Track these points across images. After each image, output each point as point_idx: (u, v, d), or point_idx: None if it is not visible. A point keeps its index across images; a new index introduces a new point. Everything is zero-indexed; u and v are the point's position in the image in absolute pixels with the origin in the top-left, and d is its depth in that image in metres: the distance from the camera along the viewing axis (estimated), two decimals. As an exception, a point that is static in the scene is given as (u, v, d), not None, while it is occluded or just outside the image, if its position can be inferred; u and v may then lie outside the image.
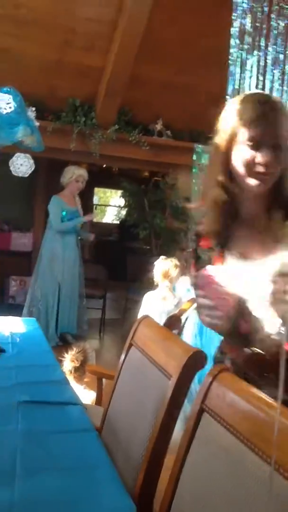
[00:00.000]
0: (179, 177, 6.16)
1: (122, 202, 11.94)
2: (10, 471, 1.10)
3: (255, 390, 1.00)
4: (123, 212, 11.22)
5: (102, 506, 1.00)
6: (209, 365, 1.30)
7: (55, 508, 0.99)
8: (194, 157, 5.96)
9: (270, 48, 3.58)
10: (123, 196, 6.59)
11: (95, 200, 11.38)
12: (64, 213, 4.97)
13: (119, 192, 11.58)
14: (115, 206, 12.06)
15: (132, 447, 1.36)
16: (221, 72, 5.16)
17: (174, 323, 2.50)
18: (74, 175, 4.95)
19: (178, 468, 1.10)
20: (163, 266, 3.04)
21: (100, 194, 12.49)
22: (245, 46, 3.50)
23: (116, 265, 5.86)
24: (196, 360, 1.27)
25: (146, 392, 1.40)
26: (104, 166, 7.13)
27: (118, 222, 11.43)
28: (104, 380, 2.29)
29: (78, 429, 1.33)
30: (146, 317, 1.68)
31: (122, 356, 1.66)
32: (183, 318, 2.53)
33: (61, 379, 1.69)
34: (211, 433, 1.04)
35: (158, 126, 5.81)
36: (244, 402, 0.98)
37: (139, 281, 6.13)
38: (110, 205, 12.33)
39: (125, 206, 7.29)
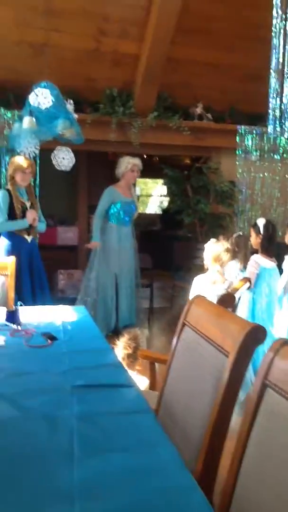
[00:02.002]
0: (222, 161, 6.04)
1: (164, 191, 11.90)
2: (68, 454, 1.07)
3: None
4: (165, 201, 11.19)
5: (165, 485, 0.96)
6: (266, 344, 1.23)
7: (117, 488, 0.95)
8: (237, 139, 5.83)
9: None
10: (165, 183, 6.50)
11: (137, 191, 11.36)
12: (119, 204, 4.93)
13: (160, 181, 11.53)
14: (157, 196, 12.01)
15: (190, 428, 1.31)
16: (263, 48, 5.01)
17: (227, 300, 2.42)
18: (129, 165, 4.89)
19: (242, 445, 1.04)
20: (214, 250, 2.95)
21: (141, 185, 12.46)
22: None
23: (161, 254, 5.81)
24: (254, 335, 1.21)
25: (203, 371, 1.35)
26: (145, 156, 7.07)
27: (160, 212, 11.39)
28: (156, 365, 2.25)
29: (134, 410, 1.30)
30: (198, 296, 1.62)
31: (175, 337, 1.61)
32: (236, 296, 2.45)
33: (114, 362, 1.66)
34: (276, 408, 0.98)
35: (198, 110, 5.69)
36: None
37: (185, 268, 6.06)
38: (152, 195, 12.28)
39: (167, 194, 7.22)
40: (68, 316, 2.39)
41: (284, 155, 5.84)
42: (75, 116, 4.43)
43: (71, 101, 4.40)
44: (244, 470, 1.04)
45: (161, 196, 11.93)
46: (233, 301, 2.47)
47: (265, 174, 5.93)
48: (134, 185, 5.26)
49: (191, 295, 3.06)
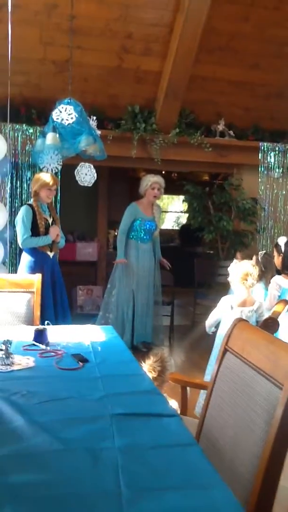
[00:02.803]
0: (244, 177, 5.99)
1: (181, 207, 11.86)
2: (115, 493, 1.00)
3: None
4: (183, 217, 11.14)
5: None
6: None
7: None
8: (260, 156, 5.78)
9: None
10: (186, 200, 6.45)
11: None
12: (138, 221, 4.92)
13: (177, 197, 11.50)
14: (175, 212, 11.98)
15: (238, 464, 1.24)
16: (287, 65, 4.98)
17: (271, 325, 2.34)
18: (150, 182, 4.90)
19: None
20: (243, 269, 2.86)
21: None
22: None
23: (182, 270, 5.74)
24: (311, 366, 1.13)
25: (252, 403, 1.27)
26: (164, 172, 7.06)
27: (178, 227, 11.34)
28: (188, 389, 2.17)
29: (179, 443, 1.22)
30: (240, 320, 1.55)
31: (216, 364, 1.54)
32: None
33: (152, 389, 1.59)
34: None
35: (220, 127, 5.66)
36: None
37: (206, 285, 5.98)
38: (169, 211, 12.26)
39: (187, 211, 7.17)
40: (96, 336, 2.33)
41: (307, 172, 5.78)
42: (98, 132, 4.42)
43: (94, 118, 4.40)
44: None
45: (178, 212, 11.90)
46: (277, 326, 2.38)
47: (288, 191, 5.86)
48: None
49: (216, 315, 2.98)
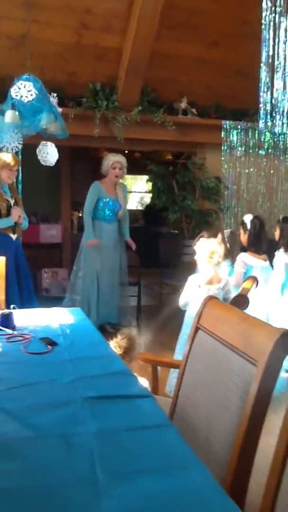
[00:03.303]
0: (207, 156, 5.98)
1: (144, 187, 11.78)
2: (90, 479, 0.97)
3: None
4: (147, 197, 11.09)
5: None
6: None
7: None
8: (223, 134, 5.77)
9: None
10: (150, 180, 6.40)
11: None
12: (101, 201, 4.85)
13: (140, 178, 11.41)
14: (139, 192, 11.91)
15: (214, 442, 1.23)
16: (249, 44, 4.95)
17: (241, 302, 2.35)
18: (111, 162, 4.82)
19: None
20: (208, 247, 2.86)
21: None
22: (278, 9, 3.26)
23: (147, 251, 5.72)
24: (285, 342, 1.13)
25: (225, 380, 1.26)
26: (126, 151, 6.97)
27: (142, 208, 11.29)
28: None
29: (154, 424, 1.20)
30: (211, 298, 1.54)
31: (188, 342, 1.52)
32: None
33: (123, 370, 1.56)
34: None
35: (183, 105, 5.61)
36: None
37: (171, 265, 5.99)
38: (133, 191, 12.19)
39: (151, 191, 7.13)
40: (64, 319, 2.28)
41: (269, 150, 5.82)
42: (59, 110, 4.30)
43: (55, 95, 4.27)
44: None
45: (142, 192, 11.83)
46: (247, 303, 2.39)
47: (251, 169, 5.89)
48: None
49: (185, 295, 2.98)
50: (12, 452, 1.09)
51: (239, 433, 1.14)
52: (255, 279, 2.77)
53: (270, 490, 0.99)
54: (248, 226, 3.46)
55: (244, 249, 3.52)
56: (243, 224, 3.56)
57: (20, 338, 1.98)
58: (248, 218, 3.55)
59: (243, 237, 3.53)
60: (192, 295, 2.92)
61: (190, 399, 1.44)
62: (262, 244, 3.47)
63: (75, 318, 2.31)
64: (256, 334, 1.22)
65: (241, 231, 3.55)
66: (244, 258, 3.40)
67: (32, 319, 2.28)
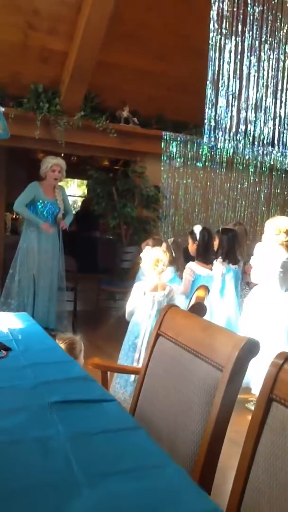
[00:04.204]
0: (147, 165, 6.10)
1: (78, 192, 11.74)
2: (71, 481, 0.99)
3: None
4: (79, 202, 11.04)
5: (186, 509, 0.93)
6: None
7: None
8: (163, 145, 5.92)
9: (247, 34, 3.55)
10: (89, 185, 6.43)
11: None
12: (39, 203, 4.80)
13: (72, 181, 11.34)
14: (72, 196, 11.83)
15: (180, 445, 1.29)
16: (192, 59, 5.13)
17: (200, 310, 2.43)
18: (50, 164, 4.78)
19: (247, 462, 1.04)
20: (154, 255, 2.95)
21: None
22: (224, 31, 3.44)
23: (84, 256, 5.73)
24: (249, 348, 1.21)
25: (191, 385, 1.33)
26: (62, 154, 6.94)
27: (75, 212, 11.22)
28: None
29: (124, 427, 1.24)
30: (172, 306, 1.60)
31: (149, 349, 1.58)
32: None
33: (85, 375, 1.59)
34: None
35: (125, 113, 5.70)
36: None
37: (109, 271, 6.04)
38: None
39: (90, 196, 7.14)
40: (13, 324, 2.26)
41: (206, 163, 6.04)
42: (2, 109, 4.22)
43: (-4, 94, 4.20)
44: (251, 486, 1.04)
45: (75, 196, 11.76)
46: (205, 311, 2.50)
47: (188, 180, 6.09)
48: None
49: (132, 303, 3.04)
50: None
51: (205, 436, 1.21)
52: (206, 288, 2.89)
53: (236, 491, 1.06)
54: (197, 237, 3.60)
55: (188, 258, 3.65)
56: (192, 234, 3.69)
57: None
58: (197, 229, 3.69)
59: (191, 247, 3.66)
60: (137, 302, 2.99)
61: (152, 403, 1.50)
62: (209, 254, 3.64)
63: (23, 323, 2.29)
64: (220, 340, 1.30)
65: (190, 241, 3.68)
66: (193, 267, 3.54)
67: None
